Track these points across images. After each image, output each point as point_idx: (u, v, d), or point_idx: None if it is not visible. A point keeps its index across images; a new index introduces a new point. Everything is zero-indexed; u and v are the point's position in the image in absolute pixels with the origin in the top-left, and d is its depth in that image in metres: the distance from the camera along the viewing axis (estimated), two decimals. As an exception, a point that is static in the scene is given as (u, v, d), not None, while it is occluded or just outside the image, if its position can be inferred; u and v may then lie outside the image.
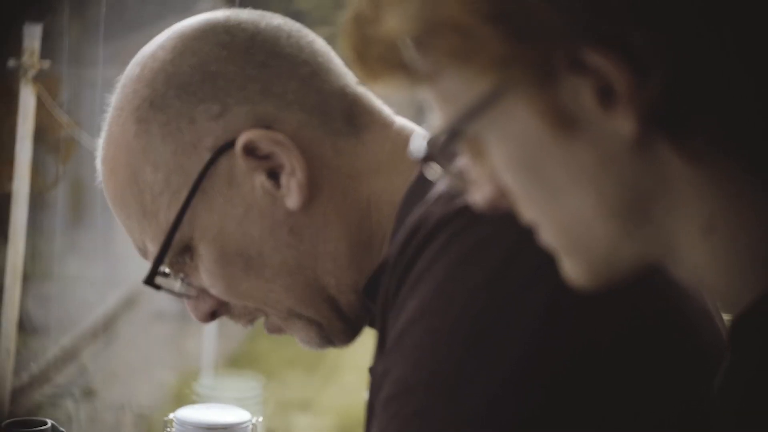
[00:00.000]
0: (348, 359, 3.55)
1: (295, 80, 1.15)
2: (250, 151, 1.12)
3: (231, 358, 4.08)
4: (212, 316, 1.21)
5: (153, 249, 1.17)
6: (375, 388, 1.05)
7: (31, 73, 2.16)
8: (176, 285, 1.21)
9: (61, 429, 1.36)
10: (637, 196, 0.77)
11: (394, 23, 0.76)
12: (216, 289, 1.17)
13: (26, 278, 2.52)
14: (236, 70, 1.14)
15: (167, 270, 1.19)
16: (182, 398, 3.11)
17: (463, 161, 0.83)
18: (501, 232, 0.95)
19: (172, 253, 1.16)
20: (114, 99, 1.18)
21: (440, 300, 0.98)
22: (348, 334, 1.20)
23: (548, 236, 0.81)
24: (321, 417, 3.83)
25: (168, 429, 1.86)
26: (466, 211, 0.98)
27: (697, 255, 0.77)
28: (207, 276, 1.16)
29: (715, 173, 0.75)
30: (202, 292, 1.19)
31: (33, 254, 2.67)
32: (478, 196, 0.83)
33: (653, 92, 0.72)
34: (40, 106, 2.21)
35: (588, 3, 0.72)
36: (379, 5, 0.78)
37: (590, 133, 0.76)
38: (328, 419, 3.81)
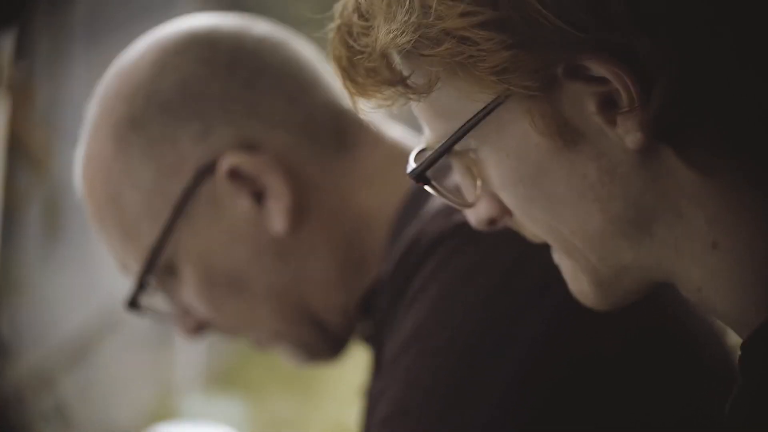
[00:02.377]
0: (334, 377, 3.54)
1: (280, 99, 1.14)
2: (233, 174, 1.12)
3: (214, 376, 4.07)
4: (198, 331, 1.21)
5: (135, 269, 1.17)
6: (371, 408, 1.07)
7: (4, 80, 2.16)
8: (160, 303, 1.22)
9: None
10: (641, 211, 0.77)
11: (387, 35, 0.77)
12: (200, 310, 1.18)
13: (-2, 295, 2.51)
14: (219, 89, 1.13)
15: (150, 287, 1.19)
16: (162, 418, 3.11)
17: (459, 178, 0.83)
18: (498, 251, 0.96)
19: (155, 273, 1.16)
20: (92, 113, 1.18)
21: (435, 321, 0.99)
22: (333, 354, 1.21)
23: (560, 252, 0.82)
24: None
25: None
26: (463, 228, 0.98)
27: (702, 272, 0.78)
28: (191, 296, 1.17)
29: (722, 186, 0.76)
30: (187, 309, 1.20)
31: (5, 270, 2.67)
32: (475, 214, 0.83)
33: (658, 102, 0.73)
34: (14, 115, 2.20)
35: (592, 12, 0.73)
36: (369, 15, 0.79)
37: (593, 144, 0.77)
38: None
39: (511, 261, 0.97)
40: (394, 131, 1.20)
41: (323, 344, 1.19)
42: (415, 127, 1.19)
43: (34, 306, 3.01)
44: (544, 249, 0.85)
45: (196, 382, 3.93)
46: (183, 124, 1.13)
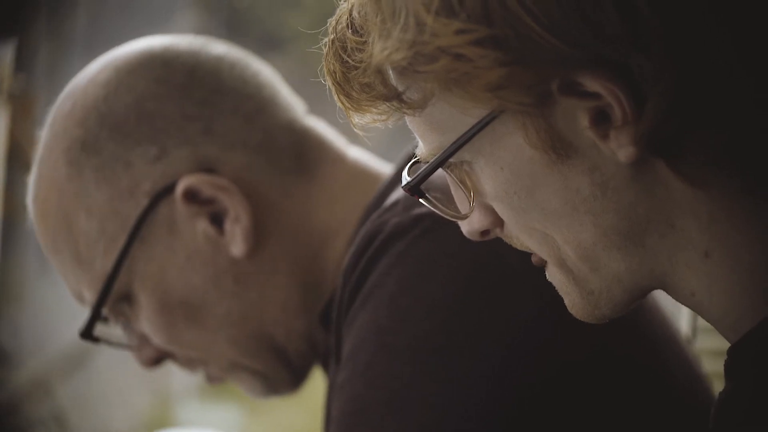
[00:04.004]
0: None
1: (238, 118, 1.13)
2: (190, 196, 1.11)
3: (210, 385, 4.06)
4: (156, 362, 1.20)
5: (90, 297, 1.15)
6: (331, 401, 1.07)
7: (4, 90, 2.16)
8: (117, 334, 1.20)
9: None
10: (634, 223, 0.79)
11: (382, 51, 0.77)
12: (157, 339, 1.16)
13: (-3, 302, 2.51)
14: (175, 109, 1.12)
15: (107, 316, 1.17)
16: (159, 426, 3.10)
17: (453, 190, 0.84)
18: (457, 246, 0.95)
19: (111, 301, 1.14)
20: (44, 135, 1.16)
21: (394, 316, 0.98)
22: (293, 384, 1.20)
23: (552, 265, 0.82)
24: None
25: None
26: (423, 219, 0.99)
27: (695, 280, 0.79)
28: (147, 325, 1.15)
29: (715, 195, 0.77)
30: (145, 339, 1.18)
31: (5, 278, 2.67)
32: (469, 225, 0.84)
33: (651, 116, 0.74)
34: (14, 124, 2.21)
35: (586, 29, 0.74)
36: (363, 31, 0.79)
37: (586, 158, 0.77)
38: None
39: (471, 256, 0.97)
40: (354, 151, 1.19)
41: (284, 374, 1.18)
42: (374, 149, 1.19)
43: (32, 314, 3.01)
44: (505, 244, 0.85)
45: (193, 390, 3.93)
46: (137, 147, 1.11)
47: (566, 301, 0.83)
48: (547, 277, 0.83)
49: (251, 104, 1.13)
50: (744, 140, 0.76)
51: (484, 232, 0.84)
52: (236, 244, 1.11)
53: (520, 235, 0.82)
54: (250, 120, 1.13)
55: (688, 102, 0.74)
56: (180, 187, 1.10)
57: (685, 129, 0.75)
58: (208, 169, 1.11)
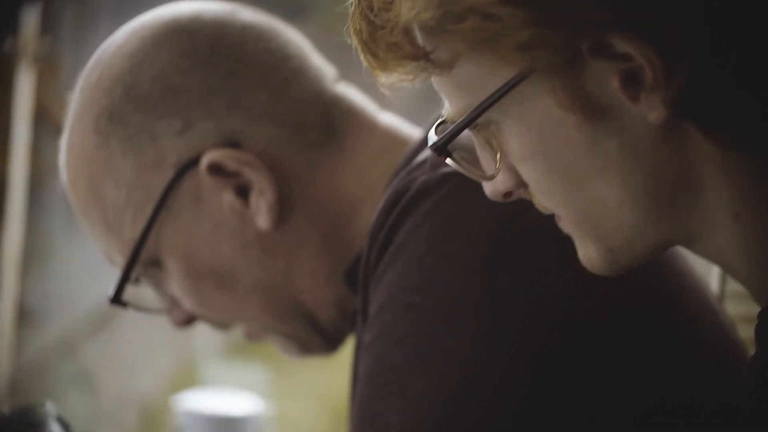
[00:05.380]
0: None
1: (264, 90, 1.12)
2: (215, 169, 1.11)
3: (235, 344, 4.08)
4: (189, 322, 1.20)
5: (120, 262, 1.16)
6: (358, 359, 1.06)
7: (30, 52, 2.16)
8: (146, 298, 1.21)
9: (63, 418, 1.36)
10: (662, 183, 0.78)
11: (409, 11, 0.76)
12: (188, 303, 1.17)
13: (24, 264, 2.52)
14: (199, 83, 1.11)
15: (138, 276, 1.18)
16: (185, 384, 3.12)
17: (479, 151, 0.83)
18: (485, 204, 0.93)
19: (140, 266, 1.15)
20: (74, 101, 1.16)
21: (422, 275, 0.97)
22: (329, 348, 1.20)
23: (569, 224, 0.81)
24: (327, 403, 3.84)
25: (175, 419, 1.86)
26: (452, 177, 0.98)
27: (725, 239, 0.79)
28: (178, 289, 1.16)
29: (743, 158, 0.77)
30: (176, 301, 1.18)
31: (31, 239, 2.68)
32: (493, 186, 0.83)
33: (683, 78, 0.73)
34: (40, 86, 2.20)
35: None
36: None
37: (615, 120, 0.77)
38: (333, 405, 3.81)
39: (498, 215, 0.96)
40: (386, 117, 1.18)
41: (317, 339, 1.18)
42: (406, 114, 1.17)
43: (58, 275, 3.02)
44: (532, 204, 0.85)
45: (218, 350, 3.95)
46: (162, 119, 1.11)
47: (581, 255, 0.82)
48: (562, 228, 0.83)
49: (277, 77, 1.13)
50: None
51: (507, 194, 0.83)
52: (261, 218, 1.11)
53: (540, 196, 0.82)
54: (275, 93, 1.12)
55: (719, 64, 0.73)
56: (204, 162, 1.11)
57: (717, 92, 0.74)
58: (233, 142, 1.11)
